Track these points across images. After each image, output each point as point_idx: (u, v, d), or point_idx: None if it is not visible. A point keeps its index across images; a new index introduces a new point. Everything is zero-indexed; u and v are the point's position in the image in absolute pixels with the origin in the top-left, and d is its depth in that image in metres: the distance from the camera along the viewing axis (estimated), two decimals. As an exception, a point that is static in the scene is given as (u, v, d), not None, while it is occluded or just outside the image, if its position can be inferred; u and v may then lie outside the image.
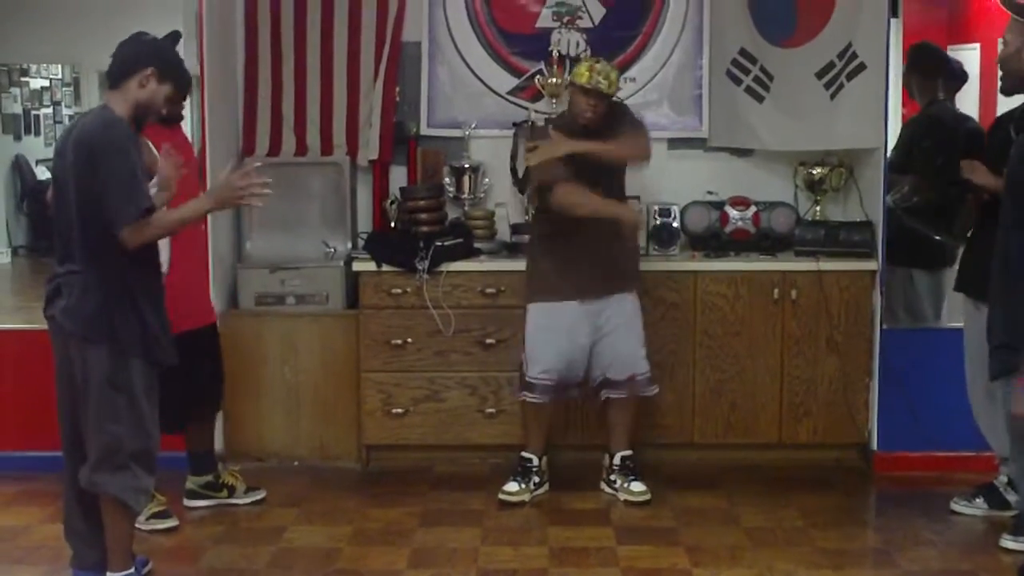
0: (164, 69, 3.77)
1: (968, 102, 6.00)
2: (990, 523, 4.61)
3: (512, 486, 4.94)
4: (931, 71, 5.48)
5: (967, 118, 5.56)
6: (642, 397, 5.02)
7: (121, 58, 3.77)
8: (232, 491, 4.95)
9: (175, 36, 4.15)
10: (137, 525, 4.45)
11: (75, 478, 3.85)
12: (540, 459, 5.03)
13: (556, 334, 4.86)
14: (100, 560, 3.90)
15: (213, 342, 4.88)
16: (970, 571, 4.27)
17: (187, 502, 4.90)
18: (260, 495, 5.00)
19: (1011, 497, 4.58)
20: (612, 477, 5.04)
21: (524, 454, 5.02)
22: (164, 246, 4.46)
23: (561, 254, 4.88)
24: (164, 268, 4.46)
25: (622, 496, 4.95)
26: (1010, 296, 3.34)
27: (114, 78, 3.77)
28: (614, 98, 4.89)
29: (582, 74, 4.76)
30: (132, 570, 3.90)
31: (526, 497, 4.92)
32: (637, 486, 4.95)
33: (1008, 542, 4.42)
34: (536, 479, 4.99)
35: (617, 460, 5.04)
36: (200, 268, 4.94)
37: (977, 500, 4.78)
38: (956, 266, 4.98)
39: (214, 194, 3.89)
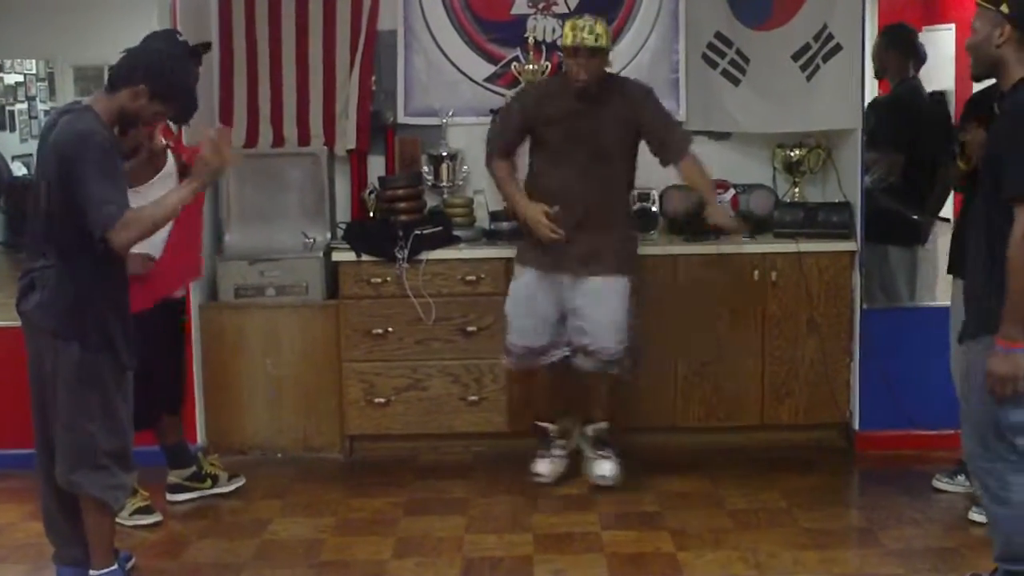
0: (158, 91, 3.69)
1: (944, 82, 6.02)
2: (971, 500, 4.62)
3: (542, 465, 4.98)
4: (907, 50, 5.51)
5: (940, 95, 5.59)
6: (616, 376, 4.89)
7: (123, 65, 3.72)
8: (216, 480, 4.94)
9: (203, 47, 4.03)
10: (120, 521, 4.46)
11: (51, 475, 3.82)
12: (557, 424, 5.02)
13: (520, 301, 4.82)
14: (82, 555, 3.89)
15: (178, 323, 4.83)
16: (953, 548, 4.30)
17: (170, 496, 4.88)
18: (240, 482, 5.01)
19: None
20: (583, 445, 5.03)
21: (537, 423, 5.04)
22: (161, 236, 4.45)
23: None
24: (157, 253, 4.46)
25: (585, 471, 4.96)
26: (993, 263, 3.38)
27: (112, 81, 3.73)
28: (610, 66, 4.74)
29: (566, 35, 4.58)
30: (115, 567, 3.89)
31: (560, 468, 5.00)
32: (605, 467, 4.92)
33: (975, 515, 4.48)
34: (560, 443, 5.02)
35: (590, 431, 5.00)
36: (189, 235, 4.77)
37: (959, 477, 4.81)
38: (927, 243, 5.01)
39: (195, 178, 3.79)
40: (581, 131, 4.65)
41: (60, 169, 3.58)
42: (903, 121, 5.42)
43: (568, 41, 4.53)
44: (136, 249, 4.27)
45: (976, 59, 3.53)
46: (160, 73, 3.70)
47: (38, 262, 3.70)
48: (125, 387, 3.81)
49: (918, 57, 5.56)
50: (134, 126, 3.84)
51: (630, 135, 4.76)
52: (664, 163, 4.83)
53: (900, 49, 5.51)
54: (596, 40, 4.50)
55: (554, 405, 5.05)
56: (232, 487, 4.97)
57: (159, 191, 4.42)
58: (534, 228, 4.72)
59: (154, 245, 4.42)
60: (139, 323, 4.22)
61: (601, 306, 4.72)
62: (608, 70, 4.74)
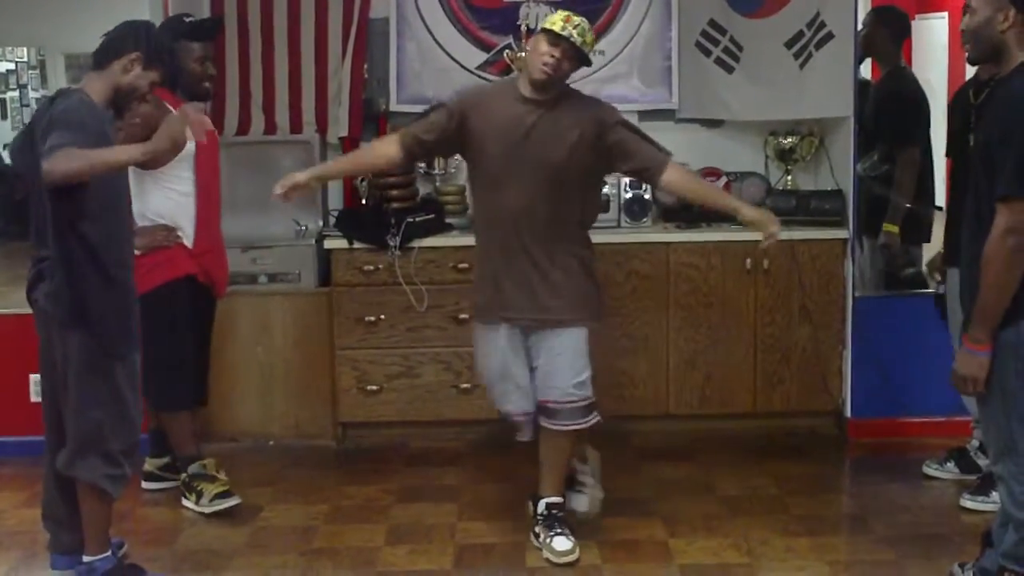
0: (151, 55, 3.69)
1: (937, 71, 6.03)
2: (962, 486, 4.64)
3: (561, 542, 4.12)
4: (899, 34, 5.47)
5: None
6: (575, 431, 4.16)
7: (109, 39, 3.72)
8: (200, 495, 4.63)
9: (210, 22, 4.00)
10: (199, 509, 4.57)
11: (55, 463, 3.83)
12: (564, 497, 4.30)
13: (495, 363, 4.19)
14: (78, 543, 3.88)
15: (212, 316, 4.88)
16: (944, 534, 4.31)
17: (145, 484, 4.86)
18: (226, 503, 4.61)
19: (981, 461, 4.61)
20: (536, 529, 4.22)
21: (547, 500, 4.24)
22: (188, 221, 4.52)
23: (491, 265, 4.16)
24: (189, 242, 4.49)
25: (544, 554, 4.12)
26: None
27: (99, 58, 3.71)
28: (574, 82, 4.14)
29: (555, 21, 3.93)
30: (108, 553, 3.88)
31: (599, 494, 4.40)
32: (561, 543, 4.09)
33: (967, 501, 4.51)
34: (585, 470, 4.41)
35: (542, 508, 4.22)
36: (219, 242, 4.81)
37: (948, 464, 4.82)
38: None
39: (152, 143, 3.57)
40: (527, 147, 3.98)
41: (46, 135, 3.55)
42: (899, 108, 5.38)
43: (556, 27, 3.90)
44: (155, 219, 4.47)
45: (975, 43, 3.43)
46: (147, 38, 3.72)
47: (42, 251, 3.68)
48: (132, 376, 3.80)
49: (904, 43, 5.52)
50: (130, 101, 3.79)
51: (589, 159, 4.03)
52: (648, 182, 4.44)
53: (891, 29, 5.45)
54: (582, 43, 3.93)
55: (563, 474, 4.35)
56: (210, 509, 4.59)
57: (181, 172, 4.45)
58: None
59: (176, 222, 4.51)
60: (181, 311, 4.44)
61: (559, 357, 4.07)
62: (572, 85, 4.18)
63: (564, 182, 4.01)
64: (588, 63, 4.08)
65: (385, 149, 4.24)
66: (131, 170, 3.90)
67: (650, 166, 4.06)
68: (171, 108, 4.18)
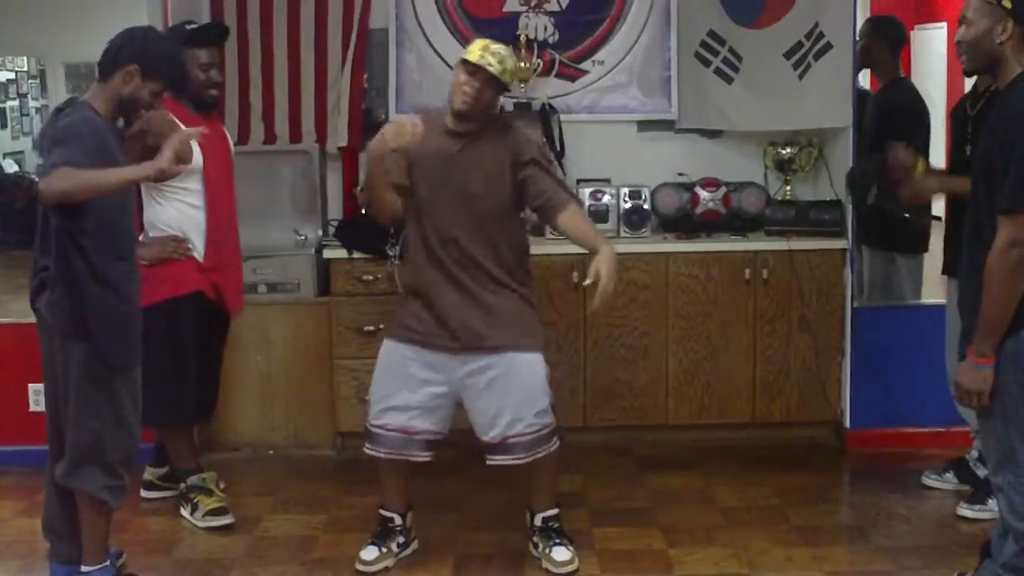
0: (148, 67, 3.68)
1: (936, 81, 6.04)
2: (961, 497, 4.64)
3: (370, 552, 4.16)
4: (896, 44, 5.46)
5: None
6: (541, 459, 4.12)
7: (109, 50, 3.71)
8: (195, 508, 4.63)
9: (217, 27, 3.96)
10: (193, 521, 4.57)
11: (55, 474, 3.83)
12: (404, 516, 4.28)
13: (400, 380, 4.13)
14: (77, 553, 3.87)
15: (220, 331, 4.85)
16: (943, 545, 4.31)
17: (144, 493, 4.86)
18: (221, 520, 4.60)
19: (980, 472, 4.61)
20: (535, 539, 4.25)
21: (383, 512, 4.27)
22: (199, 235, 4.50)
23: (419, 285, 4.14)
24: (200, 256, 4.50)
25: (544, 564, 4.14)
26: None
27: (101, 70, 3.72)
28: (503, 111, 4.14)
29: (472, 51, 3.95)
30: (107, 563, 3.88)
31: (389, 563, 4.18)
32: (560, 553, 4.13)
33: (964, 510, 4.53)
34: (400, 539, 4.25)
35: (538, 521, 4.25)
36: (233, 258, 4.76)
37: (947, 474, 4.83)
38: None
39: (153, 165, 3.61)
40: (451, 177, 4.02)
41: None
42: (900, 121, 5.37)
43: (473, 57, 3.92)
44: (165, 230, 4.44)
45: (972, 55, 3.42)
46: (144, 48, 3.69)
47: (47, 259, 3.68)
48: (133, 387, 3.80)
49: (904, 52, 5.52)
50: (135, 111, 3.80)
51: (506, 191, 4.05)
52: (548, 222, 4.26)
53: (888, 40, 5.42)
54: (501, 72, 3.92)
55: (405, 493, 4.33)
56: (204, 524, 4.58)
57: (189, 184, 4.45)
58: (393, 139, 3.99)
59: (191, 231, 4.50)
60: (185, 328, 4.45)
61: (508, 386, 4.04)
62: (499, 113, 4.20)
63: (485, 213, 4.03)
64: (508, 90, 4.14)
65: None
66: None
67: (551, 206, 4.02)
68: (176, 119, 4.18)
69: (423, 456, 4.18)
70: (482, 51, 3.94)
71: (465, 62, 3.96)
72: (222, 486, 4.71)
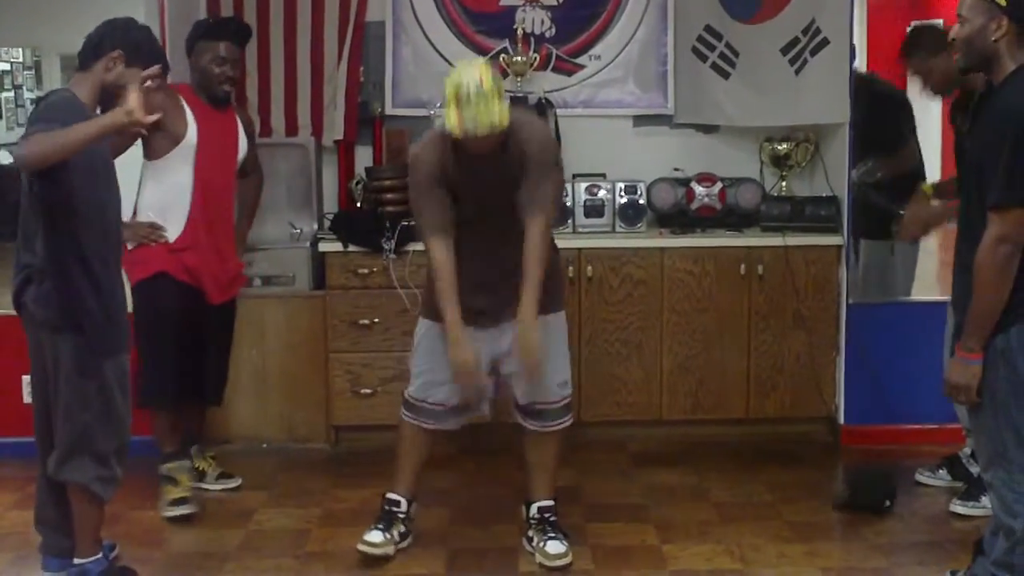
0: (132, 53, 3.68)
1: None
2: (954, 494, 4.64)
3: (375, 535, 4.16)
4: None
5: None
6: (558, 431, 4.23)
7: (90, 40, 3.72)
8: (202, 476, 4.90)
9: (235, 22, 3.96)
10: (163, 513, 4.57)
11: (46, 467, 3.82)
12: (409, 504, 4.28)
13: (438, 358, 4.12)
14: (70, 547, 3.87)
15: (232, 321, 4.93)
16: (935, 542, 4.32)
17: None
18: (233, 483, 4.95)
19: (973, 468, 4.62)
20: (529, 533, 4.23)
21: (390, 495, 4.26)
22: (179, 213, 4.53)
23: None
24: (173, 237, 4.52)
25: (538, 558, 4.13)
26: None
27: (82, 59, 3.72)
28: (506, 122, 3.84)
29: (452, 124, 3.79)
30: (100, 555, 3.87)
31: (390, 550, 4.16)
32: (554, 546, 4.11)
33: (957, 507, 4.53)
34: (403, 528, 4.24)
35: (534, 512, 4.24)
36: (221, 248, 4.75)
37: (940, 471, 4.83)
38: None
39: (121, 109, 3.50)
40: (483, 190, 4.00)
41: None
42: (892, 116, 5.39)
43: (456, 132, 3.79)
44: (146, 215, 4.50)
45: (967, 52, 3.41)
46: (126, 34, 3.70)
47: (31, 254, 3.67)
48: (123, 377, 3.80)
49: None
50: (117, 98, 3.77)
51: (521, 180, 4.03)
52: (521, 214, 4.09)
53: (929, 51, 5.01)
54: (491, 127, 3.77)
55: (416, 478, 4.33)
56: (219, 487, 4.89)
57: (178, 164, 4.45)
58: (456, 373, 4.06)
59: (166, 214, 4.53)
60: (163, 309, 4.49)
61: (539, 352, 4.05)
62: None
63: (512, 201, 3.99)
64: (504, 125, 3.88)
65: (446, 256, 4.01)
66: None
67: (525, 206, 3.96)
68: (183, 101, 4.33)
69: (456, 424, 4.30)
70: (459, 121, 3.77)
71: (470, 138, 3.81)
72: (189, 479, 4.71)
